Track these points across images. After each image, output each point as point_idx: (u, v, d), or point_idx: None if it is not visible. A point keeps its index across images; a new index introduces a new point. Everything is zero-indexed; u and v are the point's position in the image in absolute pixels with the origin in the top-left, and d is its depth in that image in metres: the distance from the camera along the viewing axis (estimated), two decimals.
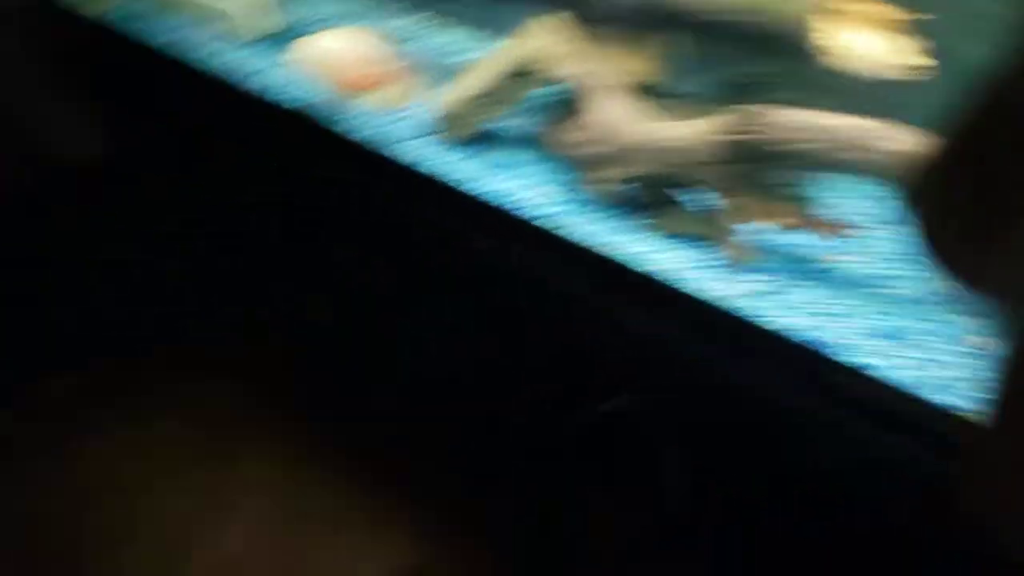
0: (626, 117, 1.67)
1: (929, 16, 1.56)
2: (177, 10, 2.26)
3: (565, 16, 1.78)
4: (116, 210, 2.79)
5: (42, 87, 2.62)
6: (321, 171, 2.09)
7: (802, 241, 1.66)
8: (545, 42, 1.74)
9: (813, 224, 1.61)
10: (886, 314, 1.54)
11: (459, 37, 2.27)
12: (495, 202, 1.78)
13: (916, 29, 1.58)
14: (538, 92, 1.82)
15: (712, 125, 1.58)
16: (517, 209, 1.76)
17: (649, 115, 1.68)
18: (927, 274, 1.62)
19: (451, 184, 1.82)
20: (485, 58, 1.90)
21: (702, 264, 1.65)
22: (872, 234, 1.69)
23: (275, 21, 2.22)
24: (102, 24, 2.31)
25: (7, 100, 2.67)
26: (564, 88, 1.79)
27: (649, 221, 1.71)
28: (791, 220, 1.61)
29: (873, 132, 1.47)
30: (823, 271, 1.63)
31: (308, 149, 2.04)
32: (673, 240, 1.69)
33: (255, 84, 2.07)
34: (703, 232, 1.68)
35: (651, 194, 1.70)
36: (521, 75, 1.75)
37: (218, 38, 2.22)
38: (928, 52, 1.56)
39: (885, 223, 1.71)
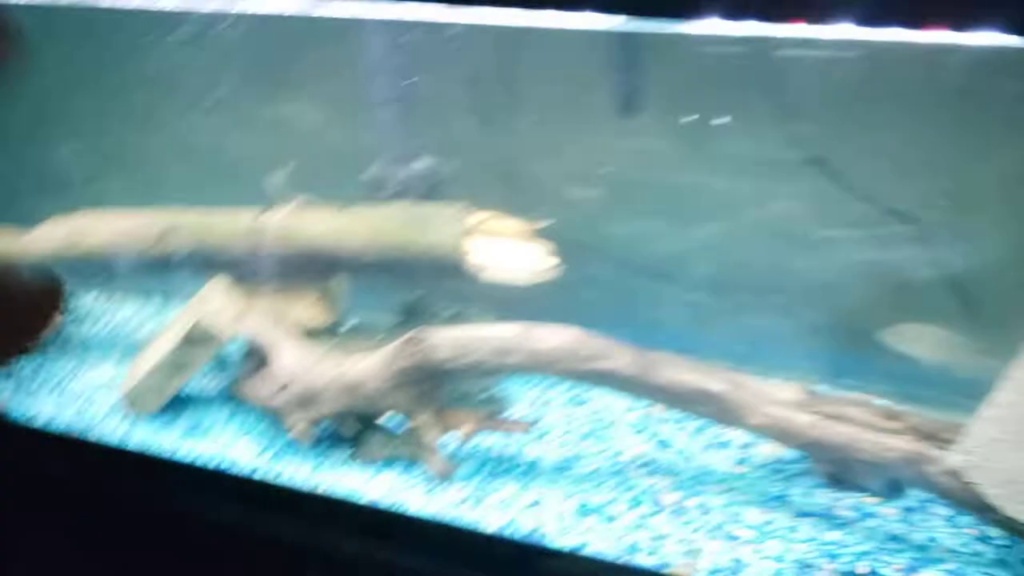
0: (308, 361, 1.72)
1: (550, 222, 1.75)
2: None
3: (232, 276, 1.83)
4: None
5: None
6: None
7: (498, 442, 1.75)
8: (218, 303, 1.78)
9: (501, 425, 1.70)
10: (586, 491, 1.63)
11: (134, 310, 2.27)
12: (201, 466, 1.75)
13: (542, 235, 1.77)
14: (219, 351, 1.84)
15: (387, 354, 1.66)
16: (224, 469, 1.74)
17: (329, 355, 1.74)
18: (614, 447, 1.75)
19: (154, 456, 1.78)
20: (163, 328, 1.91)
21: (410, 483, 1.68)
22: (551, 422, 1.82)
23: None
24: None
25: None
26: (244, 343, 1.82)
27: (350, 454, 1.74)
28: (480, 425, 1.69)
29: (529, 333, 1.60)
30: (524, 465, 1.71)
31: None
32: (378, 466, 1.72)
33: None
34: (404, 454, 1.72)
35: (347, 428, 1.74)
36: (200, 339, 1.77)
37: None
38: (554, 253, 1.74)
39: (562, 411, 1.86)
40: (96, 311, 2.26)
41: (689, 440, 1.77)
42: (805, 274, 1.84)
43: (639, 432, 1.80)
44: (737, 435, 1.74)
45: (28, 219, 1.91)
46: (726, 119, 1.80)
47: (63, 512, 1.95)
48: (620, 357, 1.57)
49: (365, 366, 1.68)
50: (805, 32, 1.11)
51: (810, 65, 1.62)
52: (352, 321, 1.95)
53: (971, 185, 1.68)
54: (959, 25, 0.97)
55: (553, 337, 1.59)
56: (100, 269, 1.87)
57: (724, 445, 1.75)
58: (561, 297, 1.84)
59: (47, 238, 1.88)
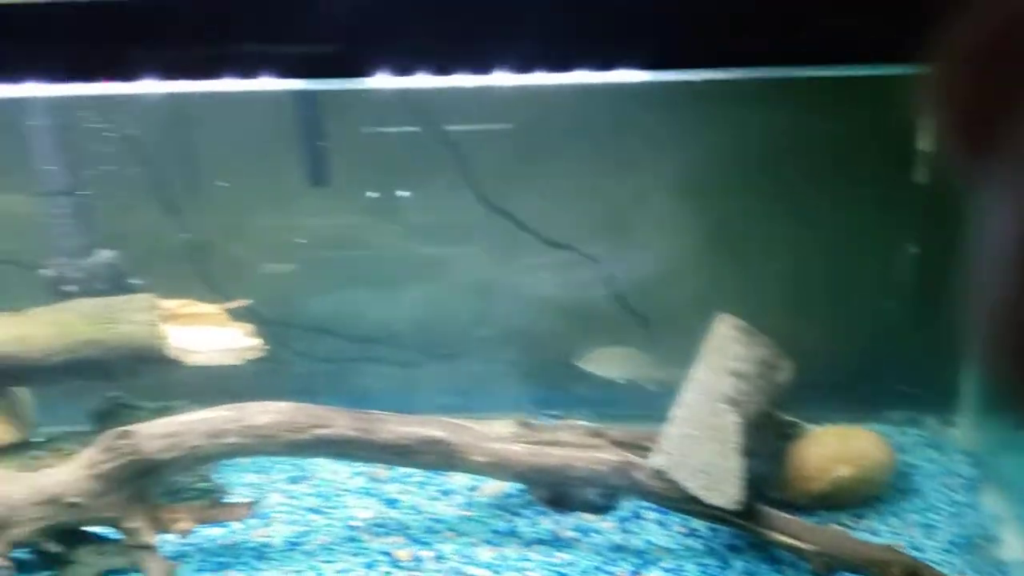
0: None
1: (245, 302, 1.74)
2: None
3: None
4: None
5: None
6: None
7: (224, 532, 1.68)
8: None
9: (218, 514, 1.64)
10: (321, 564, 1.61)
11: None
12: None
13: (239, 315, 1.76)
14: None
15: (85, 460, 1.55)
16: None
17: (16, 473, 1.59)
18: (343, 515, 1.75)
19: None
20: None
21: None
22: (274, 502, 1.79)
23: None
24: None
25: None
26: None
27: (59, 573, 1.59)
28: (197, 518, 1.62)
29: (242, 411, 1.57)
30: (249, 551, 1.66)
31: None
32: None
33: None
34: (119, 564, 1.60)
35: (49, 548, 1.58)
36: None
37: None
38: (252, 333, 1.73)
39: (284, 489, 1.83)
40: None
41: (415, 495, 1.81)
42: (503, 319, 1.96)
43: (366, 496, 1.81)
44: (461, 480, 1.80)
45: None
46: (407, 193, 1.91)
47: None
48: (339, 421, 1.58)
49: (64, 476, 1.55)
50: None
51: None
52: (40, 437, 1.79)
53: (621, 210, 1.90)
54: (601, 65, 1.11)
55: (266, 412, 1.57)
56: None
57: (449, 493, 1.81)
58: (268, 376, 1.82)
59: None
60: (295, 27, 1.15)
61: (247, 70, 1.16)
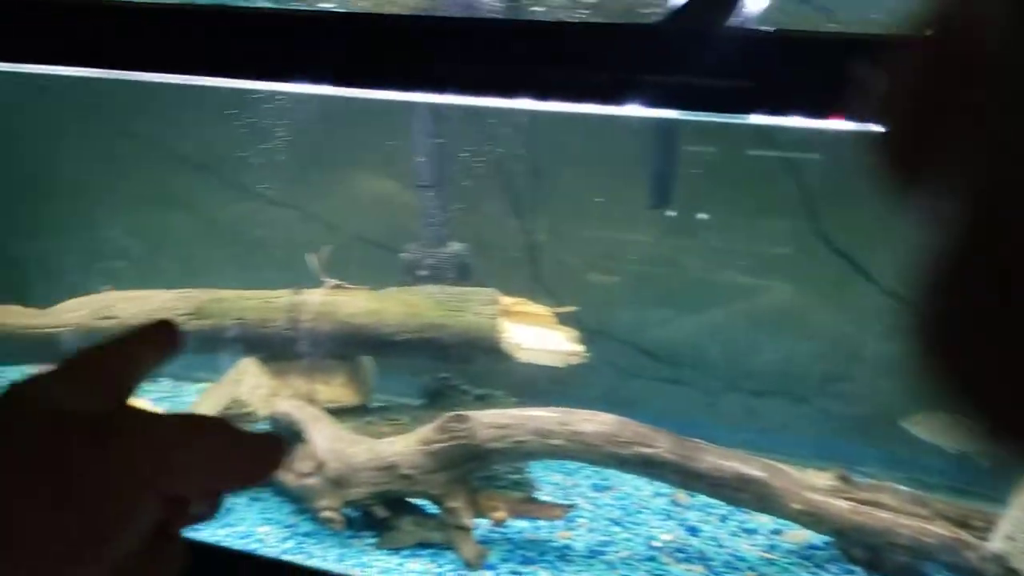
0: (342, 442, 1.71)
1: (573, 308, 1.79)
2: None
3: (261, 356, 1.83)
4: None
5: None
6: None
7: (529, 527, 1.75)
8: (247, 383, 1.76)
9: (535, 510, 1.70)
10: None
11: (147, 389, 2.22)
12: (224, 549, 1.71)
13: (567, 320, 1.81)
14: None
15: (421, 436, 1.66)
16: (250, 553, 1.69)
17: (360, 436, 1.73)
18: (645, 532, 1.76)
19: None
20: (191, 406, 1.88)
21: (441, 571, 1.66)
22: (587, 508, 1.82)
23: None
24: None
25: None
26: (275, 424, 1.80)
27: (380, 539, 1.72)
28: (514, 510, 1.68)
29: (572, 417, 1.62)
30: (552, 551, 1.71)
31: None
32: (408, 553, 1.70)
33: None
34: (435, 539, 1.70)
35: (377, 512, 1.71)
36: (235, 418, 1.74)
37: None
38: (580, 339, 1.78)
39: (587, 495, 1.86)
40: None
41: (717, 527, 1.79)
42: (821, 362, 1.90)
43: (667, 518, 1.81)
44: (763, 521, 1.76)
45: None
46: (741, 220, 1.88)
47: None
48: (661, 442, 1.60)
49: (401, 447, 1.68)
50: None
51: None
52: (376, 403, 1.94)
53: None
54: None
55: (595, 422, 1.62)
56: None
57: (751, 531, 1.77)
58: (580, 382, 1.87)
59: (71, 313, 1.85)
60: (669, 60, 1.16)
61: (616, 96, 1.19)
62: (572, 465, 1.91)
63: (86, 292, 1.88)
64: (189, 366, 2.13)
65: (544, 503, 1.72)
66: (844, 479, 1.61)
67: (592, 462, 1.65)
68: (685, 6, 1.21)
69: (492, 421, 1.64)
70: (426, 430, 1.67)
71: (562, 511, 1.70)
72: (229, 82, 1.35)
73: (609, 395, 1.96)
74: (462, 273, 1.87)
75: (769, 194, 1.85)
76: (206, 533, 1.74)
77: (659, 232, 1.96)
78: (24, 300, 1.90)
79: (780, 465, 1.61)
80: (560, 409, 1.64)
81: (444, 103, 1.58)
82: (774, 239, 1.92)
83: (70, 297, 1.88)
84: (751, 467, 1.58)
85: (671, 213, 1.90)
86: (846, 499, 1.57)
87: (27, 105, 1.92)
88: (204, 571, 1.73)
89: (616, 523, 1.79)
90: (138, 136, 1.96)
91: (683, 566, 1.67)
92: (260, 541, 1.74)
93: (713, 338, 1.98)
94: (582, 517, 1.80)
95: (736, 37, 1.13)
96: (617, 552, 1.71)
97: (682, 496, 1.86)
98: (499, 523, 1.68)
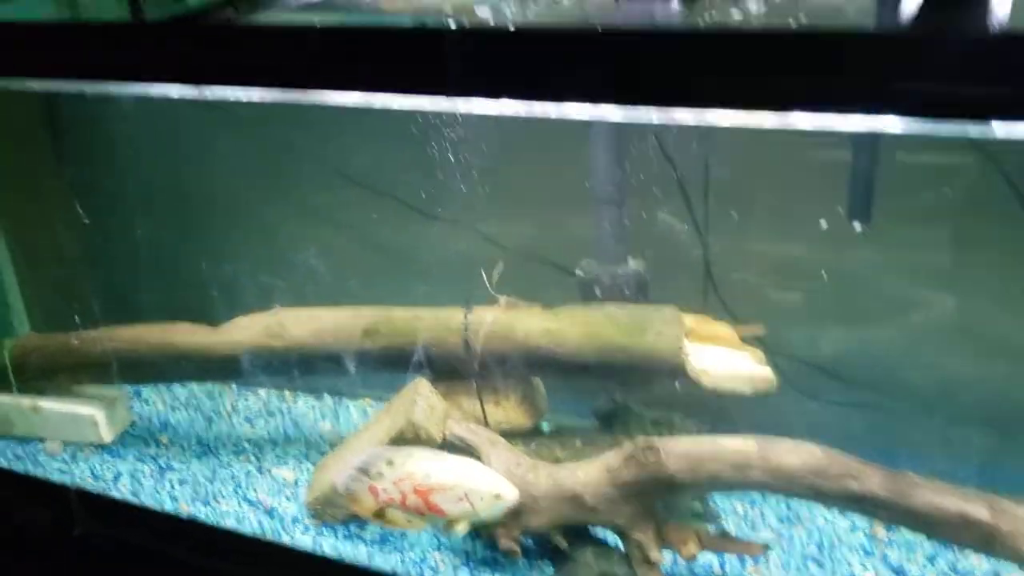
0: (517, 468, 1.63)
1: (759, 329, 1.68)
2: (23, 424, 2.07)
3: (431, 376, 1.77)
4: None
5: None
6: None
7: (715, 562, 1.64)
8: (425, 404, 1.71)
9: (731, 546, 1.59)
10: None
11: (311, 406, 2.20)
12: None
13: (756, 343, 1.69)
14: None
15: (606, 464, 1.57)
16: None
17: (538, 462, 1.65)
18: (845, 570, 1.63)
19: (342, 565, 1.69)
20: (360, 429, 1.84)
21: None
22: (783, 546, 1.70)
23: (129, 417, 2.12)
24: None
25: None
26: (450, 448, 1.74)
27: (558, 570, 1.64)
28: (708, 544, 1.58)
29: (772, 448, 1.51)
30: None
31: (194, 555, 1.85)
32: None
33: (123, 488, 1.92)
34: (621, 574, 1.61)
35: (557, 542, 1.63)
36: (405, 443, 1.68)
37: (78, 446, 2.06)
38: (766, 362, 1.66)
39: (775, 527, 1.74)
40: (269, 408, 2.20)
41: (923, 568, 1.64)
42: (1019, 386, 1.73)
43: (867, 555, 1.67)
44: (977, 562, 1.62)
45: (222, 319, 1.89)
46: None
47: None
48: (871, 478, 1.46)
49: (584, 476, 1.59)
50: None
51: None
52: (547, 424, 1.87)
53: None
54: None
55: (798, 454, 1.50)
56: (296, 365, 1.82)
57: (966, 575, 1.62)
58: (765, 407, 1.75)
59: (243, 331, 1.83)
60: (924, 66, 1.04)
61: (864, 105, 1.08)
62: (755, 494, 1.80)
63: (256, 310, 1.86)
64: (352, 383, 2.10)
65: (741, 540, 1.60)
66: None
67: (794, 496, 1.53)
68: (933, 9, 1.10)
69: (684, 451, 1.53)
70: (612, 458, 1.58)
71: (761, 549, 1.58)
72: (400, 101, 1.29)
73: (790, 420, 1.83)
74: (640, 291, 1.77)
75: (974, 206, 1.69)
76: (379, 558, 1.70)
77: (847, 246, 1.82)
78: (195, 318, 1.89)
79: (1006, 503, 1.45)
80: (759, 439, 1.52)
81: (622, 118, 1.48)
82: (976, 253, 1.76)
83: (240, 315, 1.86)
84: (973, 505, 1.43)
85: (865, 227, 1.76)
86: None
87: (202, 126, 1.92)
88: None
89: (813, 560, 1.66)
90: (311, 158, 1.94)
91: None
92: (433, 569, 1.68)
93: (906, 358, 1.83)
94: (771, 552, 1.68)
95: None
96: None
97: (880, 530, 1.72)
98: (691, 558, 1.58)
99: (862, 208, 1.67)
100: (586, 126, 1.69)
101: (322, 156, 1.91)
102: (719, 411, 1.75)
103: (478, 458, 1.67)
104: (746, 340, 1.74)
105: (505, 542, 1.63)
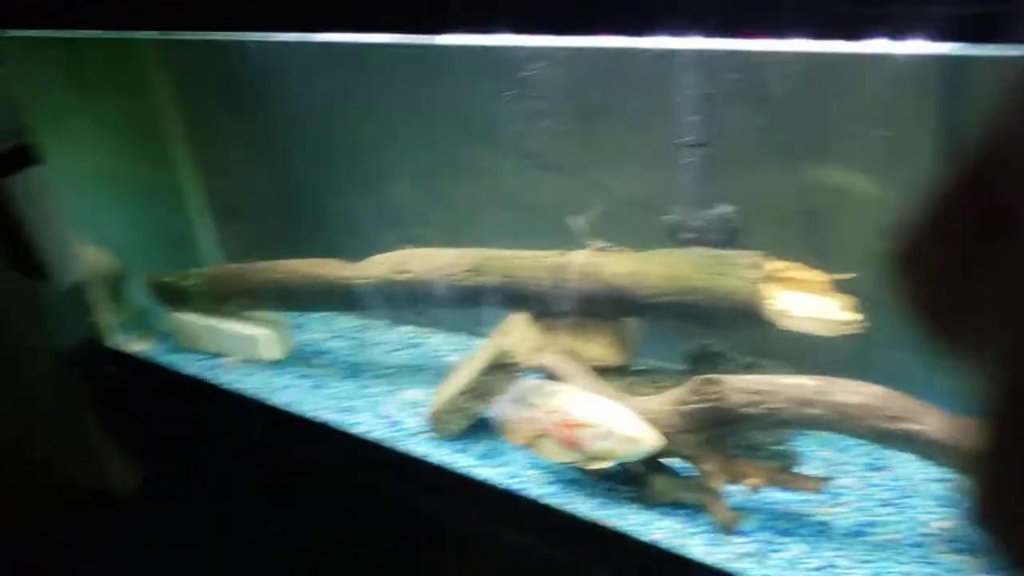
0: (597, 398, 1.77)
1: (851, 275, 1.68)
2: (209, 341, 2.47)
3: (531, 313, 1.93)
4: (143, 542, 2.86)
5: (82, 421, 2.80)
6: (345, 481, 2.16)
7: (783, 498, 1.69)
8: (516, 337, 1.88)
9: (791, 481, 1.64)
10: (881, 561, 1.54)
11: (445, 341, 2.44)
12: (492, 487, 1.85)
13: (842, 287, 1.70)
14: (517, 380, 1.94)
15: (674, 396, 1.67)
16: (514, 492, 1.82)
17: (618, 393, 1.78)
18: (916, 517, 1.63)
19: (455, 474, 1.90)
20: (465, 358, 2.04)
21: (692, 531, 1.67)
22: (846, 484, 1.73)
23: (291, 342, 2.45)
24: (142, 360, 2.52)
25: (47, 433, 2.86)
26: (538, 375, 1.91)
27: (637, 494, 1.76)
28: (769, 479, 1.64)
29: (832, 386, 1.55)
30: (811, 525, 1.64)
31: (333, 457, 2.14)
32: (661, 510, 1.72)
33: (283, 399, 2.25)
34: (689, 500, 1.71)
35: (633, 467, 1.75)
36: (501, 367, 1.87)
37: (246, 362, 2.43)
38: (854, 308, 1.67)
39: (857, 473, 1.76)
40: (411, 341, 2.47)
41: None
42: None
43: (945, 505, 1.66)
44: None
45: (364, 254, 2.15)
46: None
47: (372, 519, 2.13)
48: (930, 420, 1.47)
49: (654, 406, 1.70)
50: None
51: None
52: (640, 365, 1.98)
53: None
54: None
55: (858, 392, 1.53)
56: (415, 299, 2.05)
57: None
58: (856, 354, 1.75)
59: (374, 268, 2.08)
60: None
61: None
62: (844, 441, 1.81)
63: (390, 249, 2.10)
64: (477, 322, 2.30)
65: (800, 475, 1.65)
66: None
67: (852, 435, 1.56)
68: None
69: (746, 386, 1.61)
70: (680, 391, 1.68)
71: (818, 483, 1.62)
72: (497, 40, 1.44)
73: (890, 372, 1.82)
74: (729, 237, 1.83)
75: None
76: (480, 469, 1.89)
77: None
78: (334, 254, 2.17)
79: None
80: (821, 378, 1.57)
81: (714, 50, 1.54)
82: None
83: (375, 253, 2.12)
84: None
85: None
86: None
87: (329, 73, 2.16)
88: (474, 505, 1.89)
89: (886, 504, 1.68)
90: (433, 105, 2.14)
91: (955, 556, 1.53)
92: (525, 482, 1.85)
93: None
94: (849, 495, 1.71)
95: None
96: (882, 535, 1.61)
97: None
98: (754, 489, 1.65)
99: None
100: (672, 61, 1.74)
101: (437, 100, 2.10)
102: (814, 358, 1.77)
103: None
104: (834, 285, 1.75)
105: (590, 464, 1.77)
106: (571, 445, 1.69)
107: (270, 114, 2.41)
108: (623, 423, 1.65)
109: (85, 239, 2.43)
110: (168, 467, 2.84)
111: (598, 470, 1.73)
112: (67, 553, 2.91)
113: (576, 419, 1.67)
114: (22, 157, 2.40)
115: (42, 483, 2.97)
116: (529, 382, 1.80)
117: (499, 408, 1.81)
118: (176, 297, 2.45)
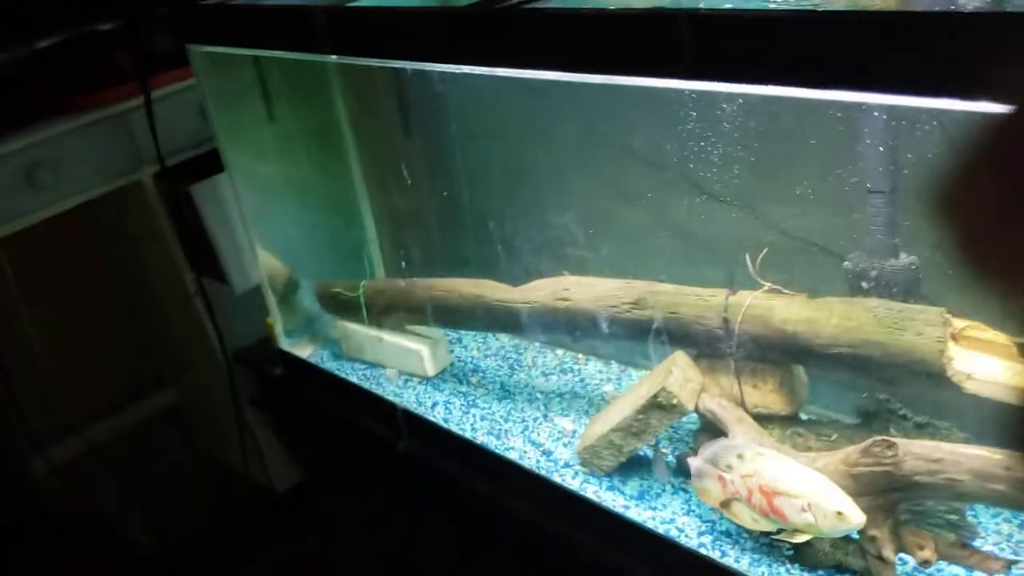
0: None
1: None
2: (371, 352, 2.55)
3: (696, 351, 1.88)
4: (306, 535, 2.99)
5: (252, 420, 2.95)
6: (491, 501, 2.18)
7: (960, 571, 1.58)
8: (682, 375, 1.83)
9: (970, 558, 1.53)
10: None
11: (599, 369, 2.41)
12: (644, 530, 1.81)
13: None
14: (675, 424, 1.89)
15: (844, 456, 1.58)
16: (667, 539, 1.78)
17: (782, 446, 1.70)
18: None
19: (607, 513, 1.88)
20: (623, 392, 2.00)
21: None
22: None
23: (449, 358, 2.49)
24: (308, 364, 2.63)
25: (217, 429, 3.03)
26: (700, 418, 1.85)
27: (796, 553, 1.68)
28: (944, 553, 1.53)
29: (1015, 464, 1.43)
30: None
31: (482, 479, 2.16)
32: (823, 573, 1.64)
33: (437, 414, 2.29)
34: (853, 565, 1.62)
35: None
36: (662, 406, 1.82)
37: (408, 376, 2.49)
38: None
39: None
40: (563, 367, 2.45)
41: None
42: None
43: None
44: None
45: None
46: None
47: (511, 546, 2.14)
48: None
49: (824, 465, 1.62)
50: None
51: None
52: (807, 416, 1.89)
53: None
54: None
55: None
56: (575, 327, 2.03)
57: None
58: None
59: (537, 292, 2.08)
60: None
61: None
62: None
63: (550, 275, 2.10)
64: (632, 352, 2.27)
65: (980, 552, 1.53)
66: None
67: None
68: None
69: (923, 453, 1.51)
70: (851, 451, 1.59)
71: (1001, 565, 1.50)
72: (684, 84, 1.40)
73: None
74: (910, 289, 1.71)
75: None
76: (632, 511, 1.86)
77: None
78: (495, 276, 2.18)
79: None
80: (1006, 451, 1.45)
81: (900, 102, 1.46)
82: None
83: (533, 278, 2.11)
84: None
85: None
86: None
87: (509, 104, 2.18)
88: (625, 546, 1.86)
89: None
90: (599, 134, 2.11)
91: None
92: (680, 529, 1.81)
93: None
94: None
95: None
96: None
97: None
98: (926, 564, 1.54)
99: None
100: (861, 112, 1.66)
101: (614, 135, 2.07)
102: (993, 423, 1.65)
103: (724, 433, 1.76)
104: (1019, 348, 1.62)
105: (738, 518, 1.71)
106: (769, 513, 1.61)
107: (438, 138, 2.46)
108: (829, 497, 1.52)
109: (263, 246, 2.54)
110: (326, 467, 2.96)
111: (795, 543, 1.63)
112: (231, 541, 3.08)
113: (778, 487, 1.58)
114: (207, 164, 2.55)
115: (211, 475, 3.16)
116: (727, 441, 1.70)
117: (693, 463, 1.73)
118: (342, 307, 2.53)
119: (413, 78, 2.24)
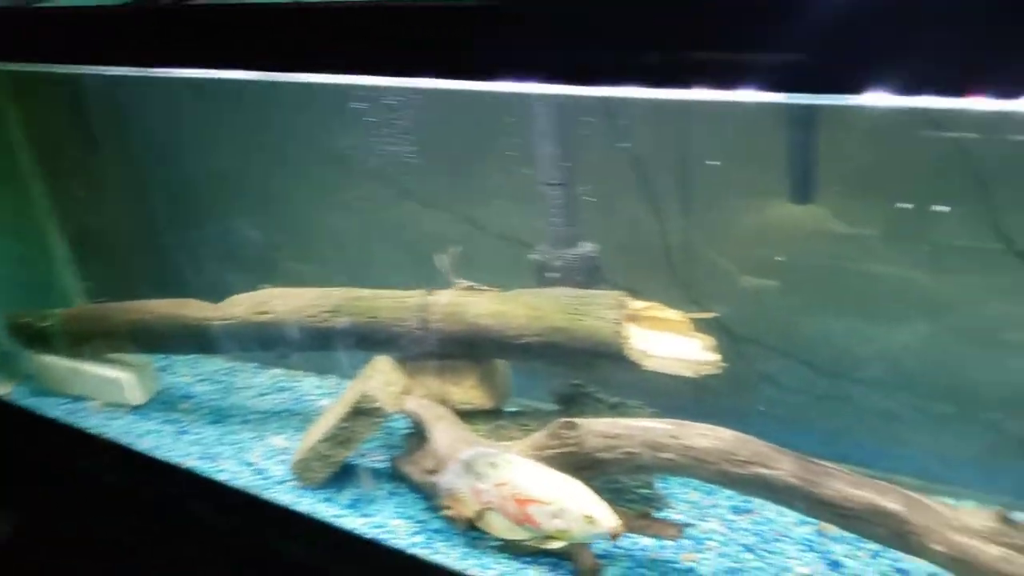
0: (459, 443, 1.71)
1: (712, 314, 1.67)
2: (72, 384, 2.35)
3: (397, 354, 1.87)
4: None
5: None
6: (202, 523, 2.07)
7: (650, 544, 1.66)
8: (382, 379, 1.81)
9: (649, 527, 1.61)
10: None
11: (315, 385, 2.37)
12: (354, 537, 1.78)
13: (701, 327, 1.69)
14: (381, 429, 1.87)
15: (534, 442, 1.63)
16: (379, 543, 1.75)
17: (479, 439, 1.73)
18: (778, 563, 1.61)
19: (317, 522, 1.83)
20: (331, 403, 1.97)
21: None
22: (710, 529, 1.71)
23: (155, 385, 2.35)
24: (3, 402, 2.39)
25: None
26: (406, 422, 1.85)
27: (504, 543, 1.70)
28: (629, 525, 1.60)
29: (684, 430, 1.52)
30: (674, 572, 1.61)
31: (195, 502, 2.05)
32: (529, 559, 1.67)
33: (145, 444, 2.14)
34: (557, 550, 1.66)
35: None
36: (360, 414, 1.80)
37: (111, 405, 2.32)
38: (713, 347, 1.65)
39: (722, 518, 1.74)
40: (280, 384, 2.38)
41: (865, 565, 1.59)
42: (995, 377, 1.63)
43: (808, 550, 1.64)
44: (922, 563, 1.55)
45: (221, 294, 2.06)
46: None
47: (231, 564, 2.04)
48: (781, 464, 1.45)
49: (517, 451, 1.65)
50: None
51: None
52: (512, 407, 1.93)
53: None
54: None
55: (709, 437, 1.50)
56: (276, 341, 1.97)
57: (905, 573, 1.56)
58: (731, 394, 1.74)
59: (235, 308, 2.00)
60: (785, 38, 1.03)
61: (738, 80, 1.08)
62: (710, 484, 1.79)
63: (249, 289, 2.03)
64: (347, 364, 2.24)
65: (658, 520, 1.62)
66: (1005, 520, 1.37)
67: (705, 479, 1.53)
68: None
69: (603, 430, 1.57)
70: (539, 436, 1.64)
71: (677, 530, 1.59)
72: (364, 80, 1.39)
73: (760, 411, 1.81)
74: (592, 275, 1.80)
75: (935, 186, 1.61)
76: (345, 519, 1.82)
77: (816, 230, 1.77)
78: (192, 294, 2.08)
79: (926, 499, 1.40)
80: (674, 421, 1.54)
81: (572, 94, 1.52)
82: (946, 236, 1.67)
83: (234, 293, 2.04)
84: (887, 498, 1.39)
85: (824, 209, 1.71)
86: (1004, 545, 1.34)
87: (190, 107, 2.09)
88: (340, 556, 1.82)
89: (749, 549, 1.65)
90: (297, 137, 2.07)
91: None
92: (392, 533, 1.78)
93: (881, 348, 1.76)
94: (713, 540, 1.68)
95: None
96: None
97: (830, 526, 1.67)
98: (614, 537, 1.60)
99: (804, 188, 1.65)
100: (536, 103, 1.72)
101: (313, 138, 2.04)
102: (681, 399, 1.75)
103: (425, 432, 1.76)
104: (696, 325, 1.73)
105: (448, 512, 1.71)
106: (521, 522, 1.59)
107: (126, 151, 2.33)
108: (580, 501, 1.52)
109: None
110: (33, 511, 2.70)
111: (549, 550, 1.62)
112: None
113: (531, 494, 1.55)
114: None
115: None
116: (476, 451, 1.66)
117: (442, 478, 1.69)
118: (36, 338, 2.33)
119: (95, 87, 2.10)
